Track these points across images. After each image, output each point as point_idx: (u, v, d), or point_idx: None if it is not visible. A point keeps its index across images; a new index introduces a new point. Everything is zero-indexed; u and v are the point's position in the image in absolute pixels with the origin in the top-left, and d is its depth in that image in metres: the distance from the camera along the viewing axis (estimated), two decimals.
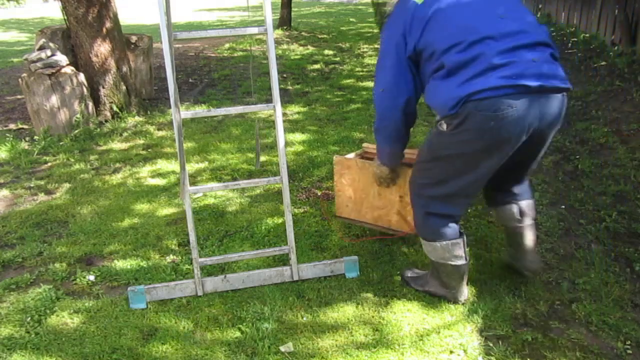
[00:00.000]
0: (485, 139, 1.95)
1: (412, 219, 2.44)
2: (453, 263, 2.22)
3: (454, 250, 2.21)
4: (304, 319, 2.30)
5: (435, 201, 2.16)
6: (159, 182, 3.85)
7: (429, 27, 1.97)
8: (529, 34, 1.96)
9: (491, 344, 2.11)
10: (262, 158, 4.18)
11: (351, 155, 2.91)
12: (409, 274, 2.52)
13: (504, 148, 1.99)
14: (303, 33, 11.24)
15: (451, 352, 2.08)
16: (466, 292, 2.35)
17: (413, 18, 2.01)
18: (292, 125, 5.00)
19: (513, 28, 1.94)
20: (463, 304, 2.34)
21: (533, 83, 1.88)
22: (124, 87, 5.33)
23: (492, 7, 1.99)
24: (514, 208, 2.34)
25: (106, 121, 5.16)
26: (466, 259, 2.25)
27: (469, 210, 3.20)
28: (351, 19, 14.41)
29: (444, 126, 1.98)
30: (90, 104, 4.98)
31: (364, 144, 3.03)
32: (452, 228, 2.20)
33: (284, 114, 5.35)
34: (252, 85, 6.50)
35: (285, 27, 11.27)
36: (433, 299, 2.39)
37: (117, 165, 4.23)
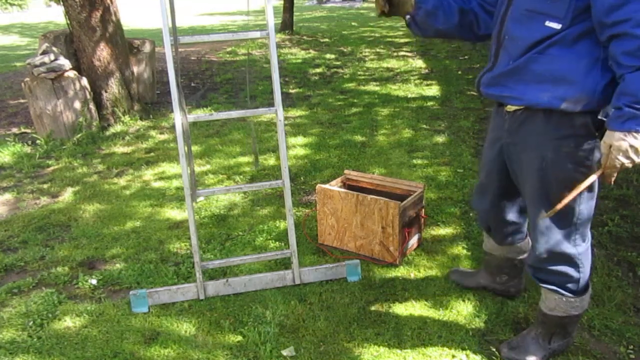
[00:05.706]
0: None
1: (394, 249, 2.62)
2: (588, 306, 1.97)
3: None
4: (306, 322, 2.30)
5: (588, 228, 1.85)
6: (162, 185, 3.86)
7: None
8: None
9: (493, 349, 2.10)
10: (264, 161, 4.19)
11: (334, 184, 2.95)
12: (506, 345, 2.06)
13: None
14: (305, 37, 11.26)
15: (453, 356, 2.07)
16: None
17: None
18: (294, 129, 5.01)
19: None
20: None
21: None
22: (126, 91, 5.35)
23: None
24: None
25: (109, 125, 5.17)
26: None
27: (470, 214, 3.20)
28: (353, 23, 14.44)
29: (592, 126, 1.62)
30: (93, 108, 4.99)
31: (345, 171, 3.05)
32: None
33: (286, 118, 5.36)
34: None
35: (287, 31, 11.30)
36: (435, 303, 2.39)
37: (120, 169, 4.24)
